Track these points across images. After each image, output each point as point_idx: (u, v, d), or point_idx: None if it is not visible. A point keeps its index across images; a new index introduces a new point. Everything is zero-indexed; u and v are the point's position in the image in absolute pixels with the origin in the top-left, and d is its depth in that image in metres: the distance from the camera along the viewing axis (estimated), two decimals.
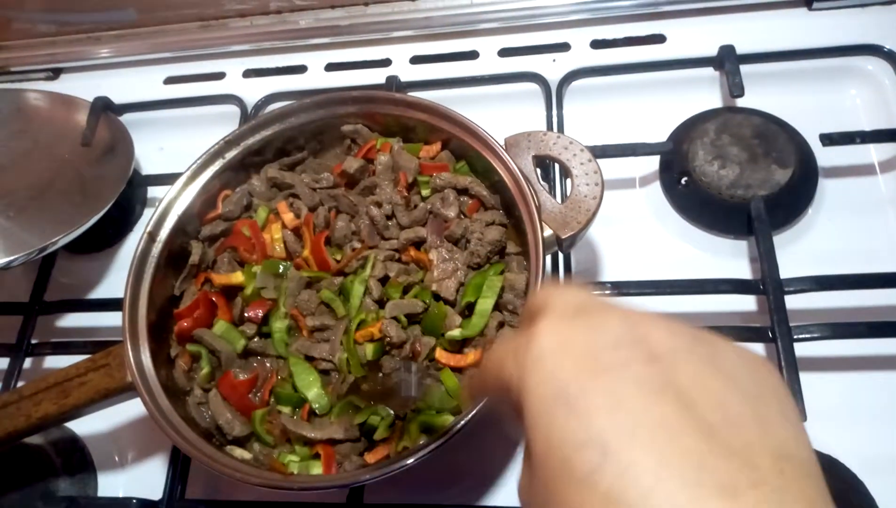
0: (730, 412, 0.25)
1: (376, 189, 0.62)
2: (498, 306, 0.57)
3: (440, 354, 0.55)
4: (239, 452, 0.55)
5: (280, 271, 0.60)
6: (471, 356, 0.55)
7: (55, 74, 0.92)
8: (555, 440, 0.26)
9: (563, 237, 0.54)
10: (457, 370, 0.54)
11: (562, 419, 0.26)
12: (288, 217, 0.63)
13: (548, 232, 0.54)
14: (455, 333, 0.55)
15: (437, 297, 0.57)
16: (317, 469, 0.53)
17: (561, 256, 0.64)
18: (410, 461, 0.47)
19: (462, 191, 0.61)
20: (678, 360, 0.26)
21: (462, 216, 0.60)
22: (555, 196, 0.65)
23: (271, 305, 0.59)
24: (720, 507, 0.22)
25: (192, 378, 0.59)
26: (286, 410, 0.56)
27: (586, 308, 0.30)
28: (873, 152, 0.68)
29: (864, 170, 0.68)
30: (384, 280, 0.58)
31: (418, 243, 0.60)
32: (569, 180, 0.57)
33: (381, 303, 0.57)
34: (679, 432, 0.24)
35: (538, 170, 0.59)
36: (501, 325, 0.56)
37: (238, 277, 0.60)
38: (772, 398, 0.27)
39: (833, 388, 0.58)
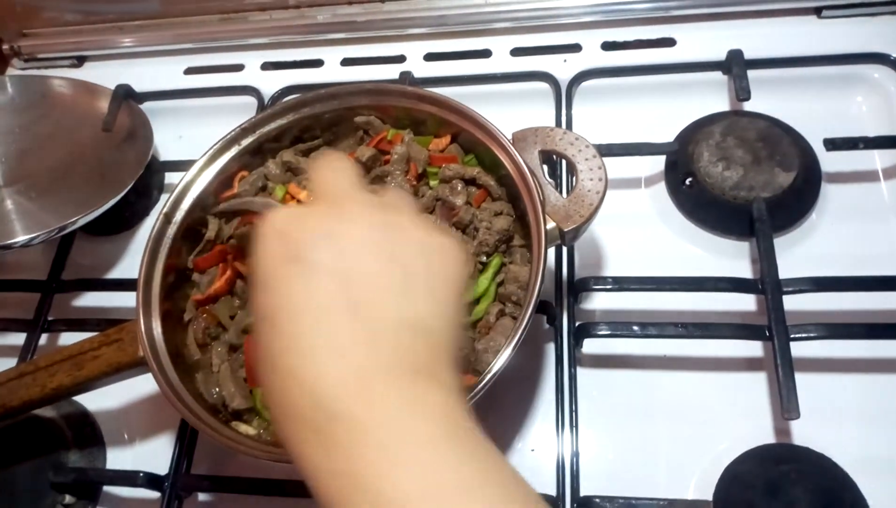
0: (378, 290, 0.32)
1: (388, 177, 0.63)
2: (500, 298, 0.58)
3: None
4: (244, 428, 0.57)
5: None
6: (465, 379, 0.54)
7: (79, 61, 0.95)
8: (254, 312, 0.34)
9: (566, 230, 0.55)
10: None
11: (260, 297, 0.34)
12: (302, 195, 0.64)
13: (551, 225, 0.55)
14: None
15: None
16: None
17: (564, 249, 0.65)
18: None
19: (470, 181, 0.62)
20: (355, 251, 0.33)
21: (469, 205, 0.62)
22: (561, 191, 0.67)
23: None
24: (331, 365, 0.31)
25: (205, 346, 0.61)
26: None
27: (321, 193, 0.38)
28: (877, 159, 0.69)
29: (868, 176, 0.69)
30: None
31: None
32: (574, 176, 0.58)
33: None
34: (326, 308, 0.32)
35: (545, 166, 0.60)
36: (502, 314, 0.57)
37: None
38: (426, 278, 0.34)
39: (828, 388, 0.59)
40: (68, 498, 0.63)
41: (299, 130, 0.68)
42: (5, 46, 0.94)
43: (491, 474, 0.30)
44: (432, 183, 0.64)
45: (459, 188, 0.62)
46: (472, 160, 0.64)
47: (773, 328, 0.57)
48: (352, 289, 0.32)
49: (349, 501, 0.29)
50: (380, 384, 0.30)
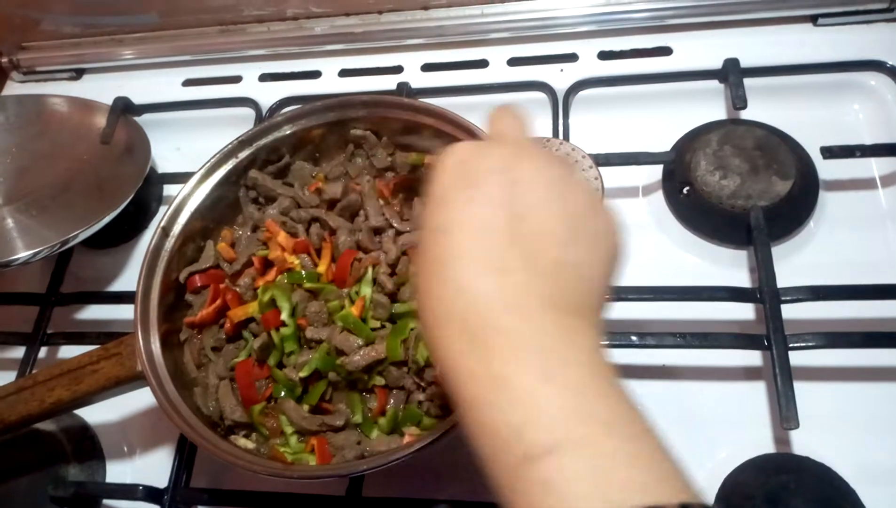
0: (545, 228, 0.34)
1: (360, 212, 0.64)
2: None
3: (441, 377, 0.54)
4: (242, 442, 0.57)
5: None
6: None
7: (78, 74, 0.95)
8: (427, 223, 0.37)
9: None
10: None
11: (435, 210, 0.37)
12: (281, 236, 0.63)
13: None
14: None
15: None
16: (312, 462, 0.54)
17: None
18: (409, 452, 0.48)
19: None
20: (529, 188, 0.35)
21: None
22: None
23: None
24: (491, 279, 0.33)
25: (201, 367, 0.61)
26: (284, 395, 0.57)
27: (501, 135, 0.41)
28: (874, 167, 0.69)
29: (866, 184, 0.69)
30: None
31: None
32: None
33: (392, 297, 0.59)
34: (494, 231, 0.34)
35: None
36: None
37: (253, 307, 0.61)
38: (593, 230, 0.36)
39: (827, 397, 0.59)
40: None
41: (295, 142, 0.68)
42: (4, 59, 0.94)
43: (636, 420, 0.31)
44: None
45: None
46: None
47: (771, 338, 0.57)
48: (521, 220, 0.34)
49: (497, 405, 0.30)
50: (537, 308, 0.32)
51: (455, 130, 0.62)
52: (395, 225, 0.63)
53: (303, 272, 0.61)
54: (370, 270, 0.59)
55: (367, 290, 0.58)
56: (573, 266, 0.34)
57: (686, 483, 0.29)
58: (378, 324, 0.57)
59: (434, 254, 0.35)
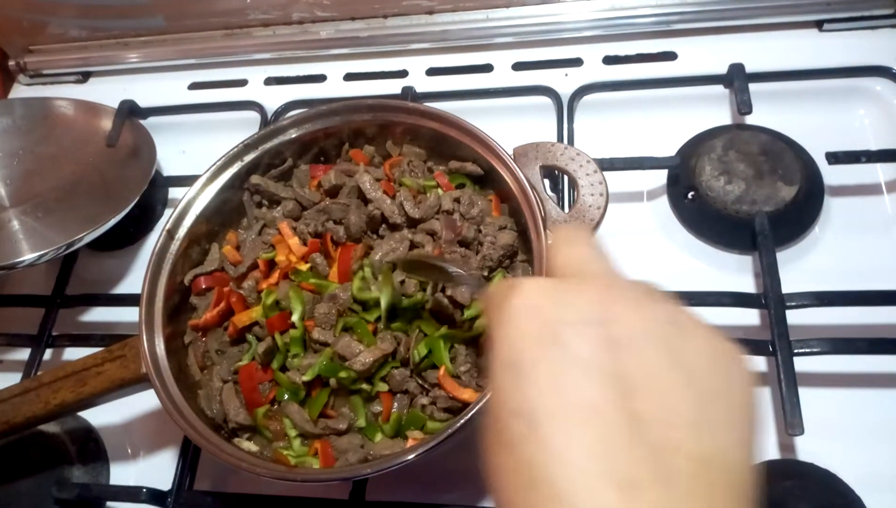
0: (668, 407, 0.26)
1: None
2: None
3: (444, 379, 0.55)
4: (246, 444, 0.57)
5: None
6: (466, 393, 0.54)
7: (84, 77, 0.96)
8: (500, 400, 0.28)
9: None
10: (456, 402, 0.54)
11: (509, 383, 0.27)
12: (293, 241, 0.63)
13: (552, 240, 0.55)
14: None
15: (452, 301, 0.58)
16: (315, 465, 0.54)
17: None
18: (412, 456, 0.48)
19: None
20: (636, 347, 0.27)
21: (471, 222, 0.61)
22: (562, 207, 0.67)
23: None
24: (614, 499, 0.24)
25: (205, 369, 0.61)
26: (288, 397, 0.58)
27: (578, 271, 0.32)
28: (880, 172, 0.69)
29: (871, 190, 0.68)
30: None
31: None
32: (575, 191, 0.58)
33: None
34: (604, 419, 0.25)
35: (547, 181, 0.60)
36: None
37: (257, 311, 0.61)
38: (726, 400, 0.27)
39: (832, 403, 0.59)
40: None
41: (301, 146, 0.68)
42: (11, 62, 0.95)
43: None
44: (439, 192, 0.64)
45: (465, 200, 0.62)
46: (458, 179, 0.65)
47: (776, 343, 0.57)
48: (634, 397, 0.26)
49: None
50: None
51: (460, 135, 0.62)
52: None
53: (308, 271, 0.61)
54: (366, 268, 0.60)
55: (384, 299, 0.57)
56: (712, 457, 0.25)
57: None
58: (375, 295, 0.57)
59: (519, 453, 0.26)
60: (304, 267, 0.62)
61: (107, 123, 0.84)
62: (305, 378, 0.56)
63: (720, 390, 0.27)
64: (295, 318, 0.58)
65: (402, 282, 0.58)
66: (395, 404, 0.56)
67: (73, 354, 0.72)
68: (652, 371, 0.26)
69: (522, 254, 0.61)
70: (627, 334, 0.27)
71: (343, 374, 0.55)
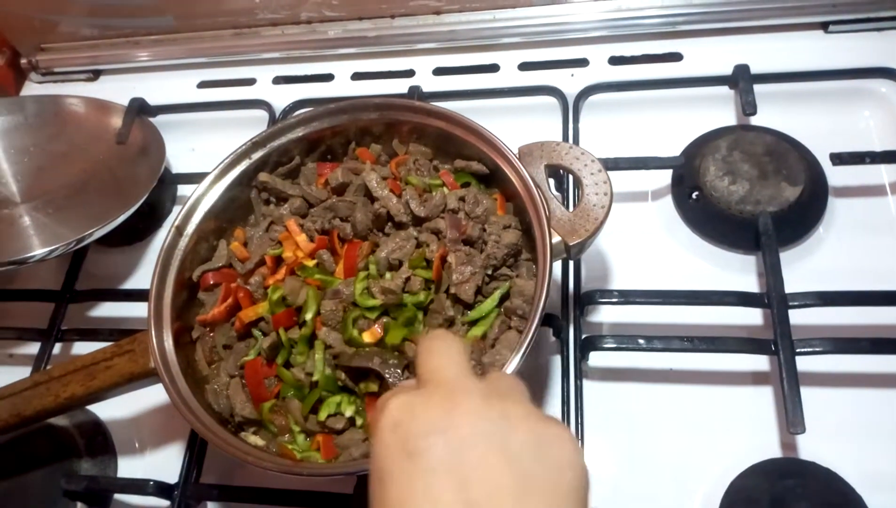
0: (495, 486, 0.31)
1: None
2: (506, 312, 0.58)
3: None
4: (252, 438, 0.57)
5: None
6: None
7: (95, 75, 0.97)
8: (373, 500, 0.34)
9: (571, 244, 0.55)
10: None
11: (377, 489, 0.34)
12: (300, 238, 0.64)
13: (556, 239, 0.56)
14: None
15: (456, 299, 0.59)
16: (319, 459, 0.55)
17: (571, 262, 0.66)
18: None
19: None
20: (470, 444, 0.33)
21: (476, 220, 0.62)
22: (567, 206, 0.68)
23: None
24: None
25: (213, 364, 0.61)
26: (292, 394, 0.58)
27: (432, 379, 0.38)
28: (884, 173, 0.69)
29: (875, 190, 0.69)
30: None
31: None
32: (580, 190, 0.58)
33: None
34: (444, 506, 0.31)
35: (552, 180, 0.60)
36: (507, 328, 0.57)
37: (263, 307, 0.61)
38: (550, 479, 0.32)
39: (834, 402, 0.59)
40: (80, 506, 0.64)
41: (309, 144, 0.69)
42: (23, 61, 0.96)
43: None
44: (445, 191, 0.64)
45: (470, 198, 0.62)
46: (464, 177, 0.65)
47: (778, 343, 0.57)
48: (469, 489, 0.31)
49: None
50: None
51: (466, 134, 0.63)
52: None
53: (314, 267, 0.62)
54: (372, 266, 0.60)
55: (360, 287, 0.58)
56: None
57: None
58: (378, 303, 0.58)
59: None
60: (310, 263, 0.62)
61: (117, 121, 0.85)
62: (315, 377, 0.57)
63: (539, 471, 0.32)
64: (309, 316, 0.58)
65: (408, 279, 0.59)
66: None
67: (82, 348, 0.73)
68: (483, 462, 0.32)
69: (526, 252, 0.61)
70: (464, 435, 0.33)
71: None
